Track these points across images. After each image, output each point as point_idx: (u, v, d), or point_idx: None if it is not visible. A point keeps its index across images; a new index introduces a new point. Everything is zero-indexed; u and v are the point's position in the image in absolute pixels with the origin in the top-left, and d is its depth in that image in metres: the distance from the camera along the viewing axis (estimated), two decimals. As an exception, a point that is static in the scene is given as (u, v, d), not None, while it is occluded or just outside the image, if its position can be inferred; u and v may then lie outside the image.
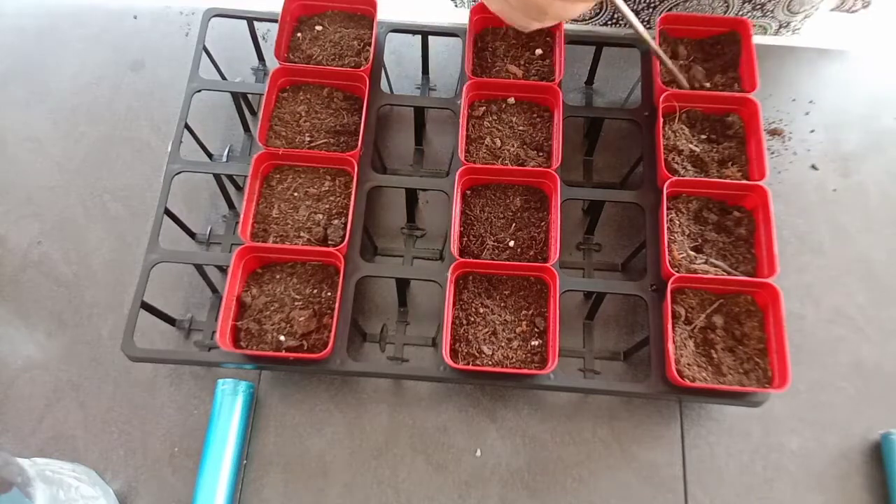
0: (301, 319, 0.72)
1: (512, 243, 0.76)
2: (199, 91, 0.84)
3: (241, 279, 0.74)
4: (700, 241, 0.76)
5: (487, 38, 0.85)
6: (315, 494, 0.75)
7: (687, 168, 0.79)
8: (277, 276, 0.75)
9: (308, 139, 0.81)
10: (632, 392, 0.74)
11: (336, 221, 0.76)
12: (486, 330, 0.72)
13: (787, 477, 0.76)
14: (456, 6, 1.02)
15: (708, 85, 0.82)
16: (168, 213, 0.79)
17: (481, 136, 0.80)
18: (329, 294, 0.74)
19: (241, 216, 0.74)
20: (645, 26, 0.82)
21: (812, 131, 0.93)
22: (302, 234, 0.76)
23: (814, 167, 0.91)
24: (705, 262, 0.74)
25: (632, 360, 0.80)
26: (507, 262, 0.74)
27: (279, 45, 0.83)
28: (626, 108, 0.90)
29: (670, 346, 0.69)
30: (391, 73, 0.93)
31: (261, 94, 0.80)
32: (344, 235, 0.74)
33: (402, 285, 0.79)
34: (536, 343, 0.72)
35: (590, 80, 0.94)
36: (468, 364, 0.70)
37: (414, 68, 0.95)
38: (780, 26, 0.96)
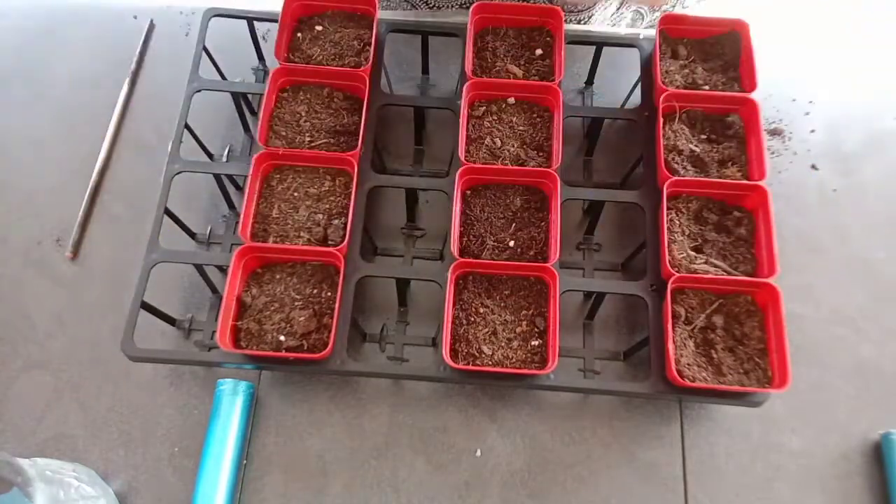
0: (301, 319, 0.72)
1: (512, 243, 0.76)
2: (199, 91, 0.84)
3: (241, 279, 0.74)
4: (700, 241, 0.76)
5: (487, 38, 0.85)
6: (315, 494, 0.75)
7: (687, 168, 0.79)
8: (277, 276, 0.75)
9: (308, 139, 0.80)
10: (632, 392, 0.74)
11: (336, 221, 0.76)
12: (486, 330, 0.72)
13: (787, 477, 0.76)
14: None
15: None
16: (168, 213, 0.78)
17: (481, 136, 0.80)
18: (329, 294, 0.74)
19: (241, 216, 0.74)
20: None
21: (812, 131, 0.93)
22: (302, 234, 0.76)
23: (814, 167, 0.91)
24: (705, 262, 0.74)
25: (632, 360, 0.80)
26: (507, 262, 0.74)
27: (279, 45, 0.83)
28: (626, 108, 0.90)
29: (670, 346, 0.69)
30: (391, 73, 0.93)
31: (261, 94, 0.81)
32: (344, 235, 0.74)
33: (402, 285, 0.79)
34: (536, 343, 0.72)
35: (590, 80, 0.94)
36: (468, 364, 0.70)
37: (414, 68, 0.95)
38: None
